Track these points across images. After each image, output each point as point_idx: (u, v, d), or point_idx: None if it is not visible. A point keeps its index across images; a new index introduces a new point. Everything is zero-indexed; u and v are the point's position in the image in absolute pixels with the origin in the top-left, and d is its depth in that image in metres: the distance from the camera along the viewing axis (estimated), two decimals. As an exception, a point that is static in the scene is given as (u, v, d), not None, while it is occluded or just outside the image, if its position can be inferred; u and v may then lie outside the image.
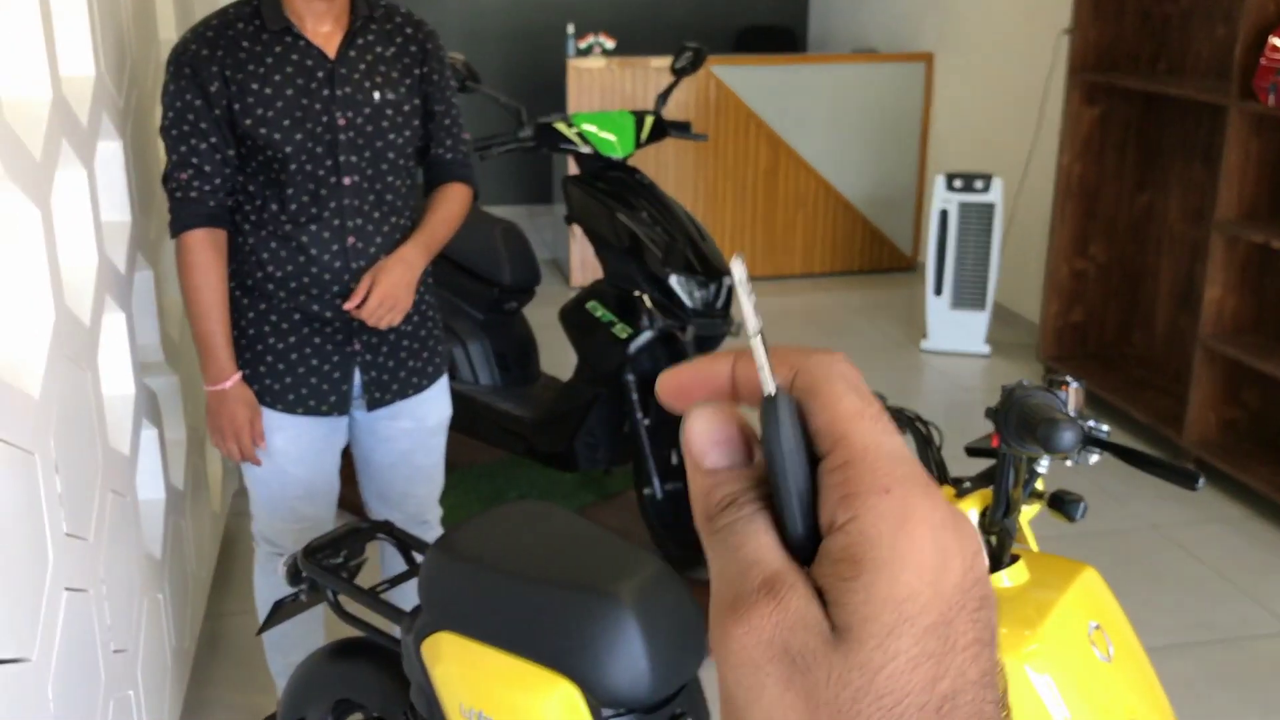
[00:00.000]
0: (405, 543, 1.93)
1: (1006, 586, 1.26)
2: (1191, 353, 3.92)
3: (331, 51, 2.02)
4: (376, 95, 2.03)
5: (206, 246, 2.01)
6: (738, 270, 0.39)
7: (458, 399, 3.47)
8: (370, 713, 1.91)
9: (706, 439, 0.38)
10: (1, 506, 1.47)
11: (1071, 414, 1.17)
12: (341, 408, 2.16)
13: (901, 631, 0.32)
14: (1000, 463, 1.20)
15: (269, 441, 2.15)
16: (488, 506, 3.38)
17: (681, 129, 3.40)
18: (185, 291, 2.04)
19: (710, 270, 3.03)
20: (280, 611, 1.91)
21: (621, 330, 3.03)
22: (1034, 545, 1.29)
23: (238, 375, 2.08)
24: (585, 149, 3.17)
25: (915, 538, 0.33)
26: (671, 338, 3.06)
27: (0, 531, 1.45)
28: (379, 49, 2.06)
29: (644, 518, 3.16)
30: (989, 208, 5.06)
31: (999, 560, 1.25)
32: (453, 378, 3.52)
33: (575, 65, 6.01)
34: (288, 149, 1.98)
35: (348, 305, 2.05)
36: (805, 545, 0.36)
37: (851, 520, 0.34)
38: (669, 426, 3.06)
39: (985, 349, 5.23)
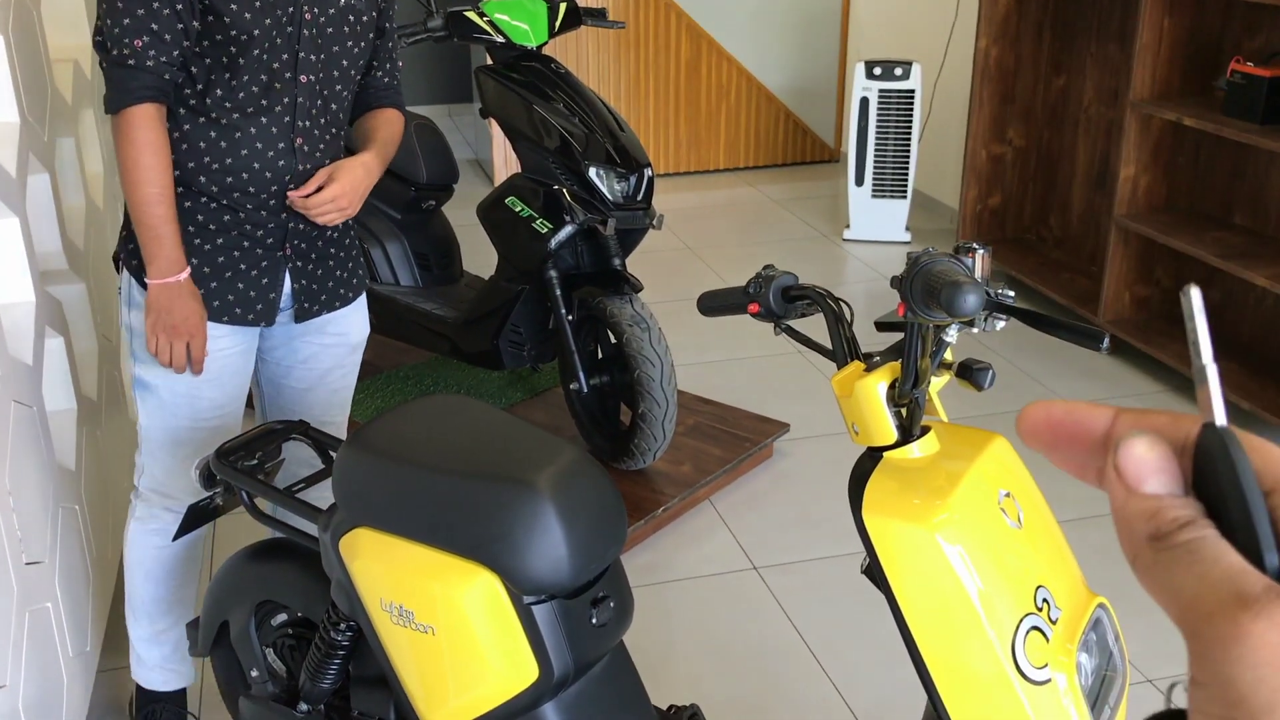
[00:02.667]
0: (321, 442, 1.91)
1: (917, 457, 1.27)
2: (1106, 233, 3.98)
3: None
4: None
5: (158, 122, 1.84)
6: (1196, 300, 0.40)
7: (379, 301, 3.43)
8: (293, 613, 1.90)
9: (1148, 465, 0.40)
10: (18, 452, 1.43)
11: (978, 279, 1.17)
12: (268, 317, 2.02)
13: None
14: (908, 333, 1.20)
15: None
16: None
17: (597, 16, 3.32)
18: (131, 173, 1.84)
19: (630, 162, 2.99)
20: (195, 517, 1.89)
21: (542, 226, 2.99)
22: (944, 416, 1.30)
23: (189, 269, 1.91)
24: (497, 38, 3.09)
25: None
26: (593, 232, 3.02)
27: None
28: None
29: (571, 412, 3.16)
30: (909, 95, 5.04)
31: (909, 432, 1.26)
32: (373, 280, 3.46)
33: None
34: (254, 31, 1.85)
35: (297, 194, 1.93)
36: (1276, 575, 0.37)
37: None
38: (593, 321, 3.04)
39: (907, 237, 5.26)
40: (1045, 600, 1.22)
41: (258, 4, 1.84)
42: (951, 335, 1.19)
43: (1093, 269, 4.46)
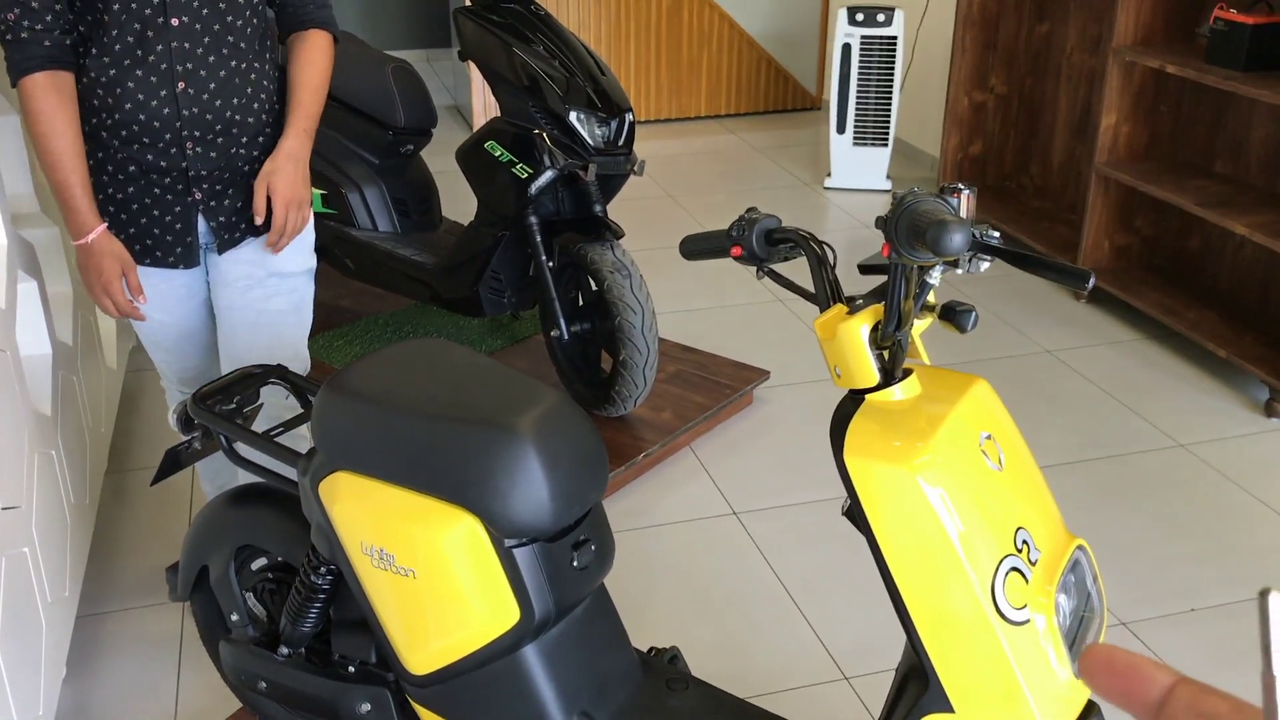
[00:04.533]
0: (299, 386, 1.89)
1: (899, 400, 1.27)
2: (1087, 182, 3.97)
3: None
4: None
5: (49, 90, 1.85)
6: (1275, 605, 0.40)
7: (357, 247, 3.39)
8: (273, 558, 1.90)
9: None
10: None
11: (964, 216, 1.17)
12: (189, 260, 2.04)
13: None
14: (891, 274, 1.19)
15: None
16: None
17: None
18: (34, 140, 1.89)
19: (611, 107, 2.95)
20: (174, 460, 1.87)
21: (521, 170, 2.96)
22: (926, 359, 1.30)
23: (101, 227, 1.94)
24: (474, -20, 3.04)
25: None
26: (573, 177, 3.00)
27: None
28: None
29: (552, 359, 3.15)
30: (891, 41, 5.00)
31: (891, 374, 1.25)
32: (350, 225, 3.43)
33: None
34: None
35: (258, 220, 1.98)
36: None
37: None
38: (574, 268, 3.03)
39: (887, 185, 5.24)
40: (1025, 542, 1.22)
41: None
42: (935, 277, 1.18)
43: (1072, 217, 4.46)
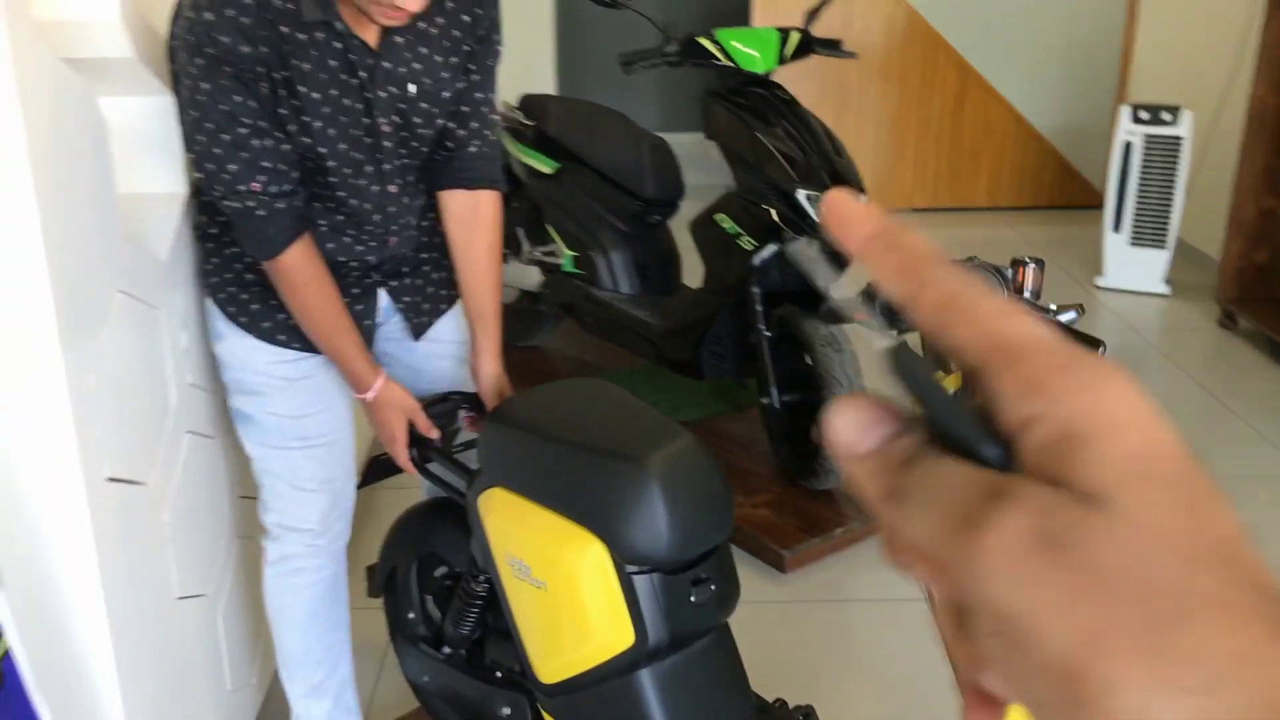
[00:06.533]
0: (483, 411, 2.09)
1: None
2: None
3: (372, 39, 1.69)
4: (413, 87, 1.75)
5: (308, 260, 1.76)
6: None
7: (597, 304, 3.64)
8: (452, 567, 2.10)
9: (854, 430, 0.37)
10: (131, 354, 1.71)
11: (1027, 295, 1.21)
12: (367, 341, 1.94)
13: (1152, 482, 0.31)
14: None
15: (282, 381, 1.92)
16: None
17: (830, 46, 3.41)
18: (300, 313, 1.80)
19: (841, 186, 3.06)
20: (379, 467, 2.10)
21: (747, 243, 3.11)
22: None
23: (381, 380, 1.86)
24: (727, 63, 3.24)
25: (1123, 394, 0.32)
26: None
27: (126, 373, 1.69)
28: (423, 23, 1.74)
29: (764, 426, 3.25)
30: (1176, 141, 4.83)
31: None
32: (594, 284, 3.68)
33: (761, -11, 6.01)
34: (331, 163, 1.73)
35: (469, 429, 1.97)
36: (1000, 464, 0.33)
37: (1049, 404, 0.32)
38: (790, 340, 3.13)
39: (1164, 289, 5.02)
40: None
41: (332, 131, 1.71)
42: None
43: (1365, 337, 4.13)
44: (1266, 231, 4.53)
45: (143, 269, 1.76)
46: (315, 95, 1.66)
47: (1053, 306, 1.20)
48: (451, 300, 2.07)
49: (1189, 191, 5.14)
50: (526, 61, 7.11)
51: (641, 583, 1.64)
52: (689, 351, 3.35)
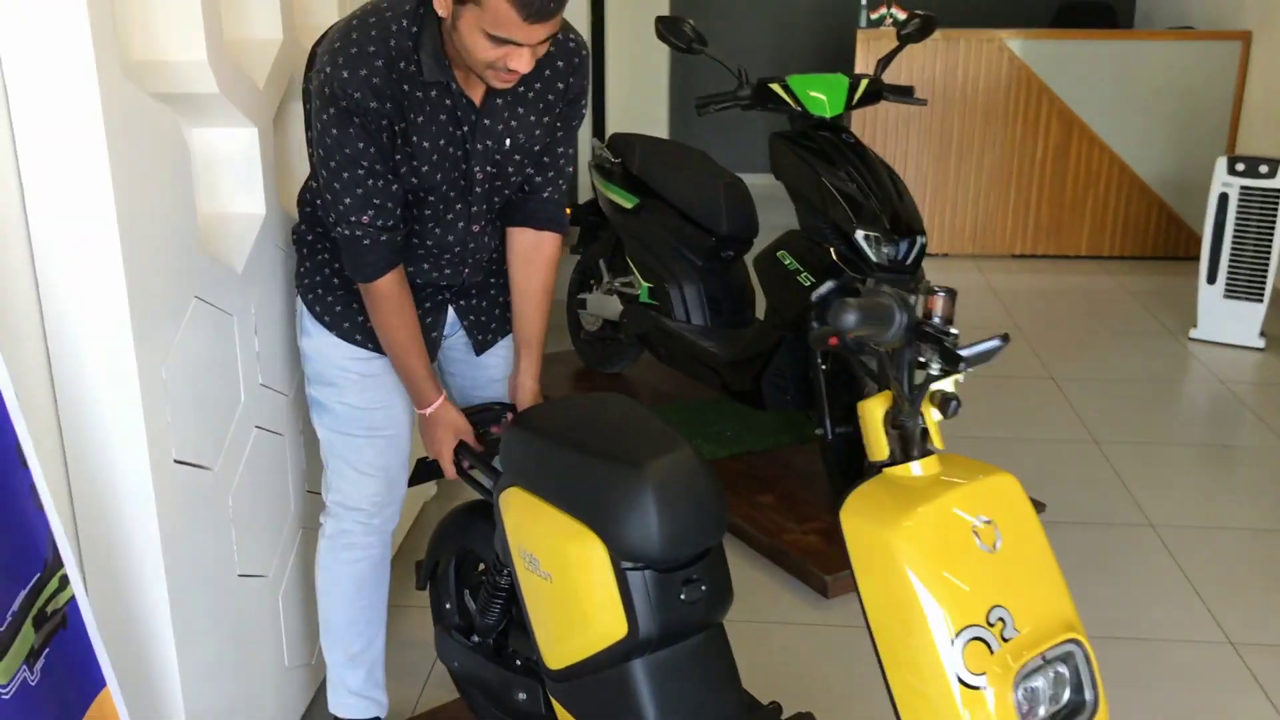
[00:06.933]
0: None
1: (916, 475, 1.43)
2: None
3: (477, 98, 1.91)
4: (508, 141, 1.96)
5: (398, 287, 1.97)
6: None
7: (669, 335, 3.81)
8: (486, 560, 2.28)
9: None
10: (204, 353, 1.95)
11: (936, 320, 1.33)
12: (432, 353, 2.14)
13: None
14: (882, 363, 1.38)
15: (355, 377, 2.13)
16: (692, 439, 3.71)
17: (902, 93, 3.53)
18: (382, 330, 2.02)
19: (901, 228, 3.17)
20: (426, 468, 2.29)
21: (806, 279, 3.24)
22: (939, 445, 1.45)
23: (440, 399, 2.08)
24: (796, 107, 3.39)
25: None
26: (855, 290, 3.23)
27: (198, 369, 1.92)
28: (522, 87, 1.93)
29: (822, 457, 3.37)
30: (1275, 193, 4.78)
31: (908, 453, 1.43)
32: (668, 316, 3.85)
33: (865, 35, 6.14)
34: (430, 199, 1.96)
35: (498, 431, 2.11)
36: None
37: None
38: (846, 374, 3.24)
39: (1259, 342, 4.95)
40: (1001, 619, 1.34)
41: (438, 175, 1.92)
42: (935, 369, 1.35)
43: None
44: (1362, 287, 4.45)
45: (219, 279, 2.00)
46: (425, 144, 1.88)
47: (954, 330, 1.32)
48: (511, 324, 2.23)
49: (1289, 245, 5.07)
50: (645, 107, 7.37)
51: (635, 579, 1.79)
52: (751, 383, 3.49)
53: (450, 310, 2.18)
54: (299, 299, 2.15)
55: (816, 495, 3.46)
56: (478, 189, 1.98)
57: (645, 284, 3.92)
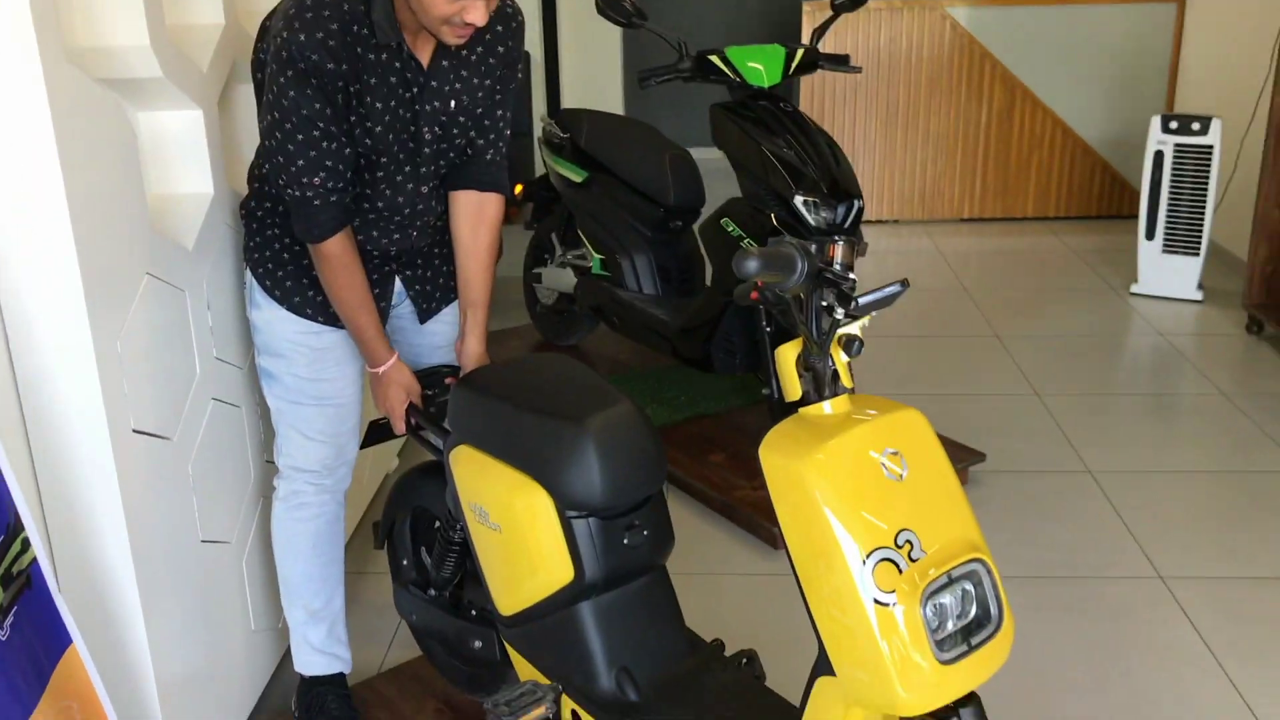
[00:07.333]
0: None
1: (828, 414, 1.54)
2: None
3: (425, 59, 2.00)
4: (454, 103, 2.05)
5: (346, 249, 2.04)
6: None
7: (621, 305, 3.90)
8: (439, 517, 2.35)
9: None
10: (158, 327, 2.03)
11: (836, 267, 1.44)
12: (381, 319, 2.20)
13: None
14: (805, 311, 1.48)
15: (305, 350, 2.19)
16: (647, 404, 3.80)
17: (837, 61, 3.63)
18: (332, 289, 2.08)
19: (839, 193, 3.27)
20: (378, 431, 2.37)
21: (748, 245, 3.34)
22: (849, 385, 1.55)
23: (392, 360, 2.18)
24: (734, 78, 3.48)
25: None
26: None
27: (152, 343, 2.00)
28: (465, 51, 2.03)
29: (770, 416, 3.47)
30: (1207, 150, 4.92)
31: (820, 393, 1.53)
32: (620, 286, 3.94)
33: (810, 7, 6.23)
34: (382, 160, 2.03)
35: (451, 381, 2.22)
36: None
37: None
38: (786, 336, 3.34)
39: (1197, 295, 5.10)
40: (909, 541, 1.45)
41: (390, 136, 2.00)
42: (839, 314, 1.46)
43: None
44: (1288, 238, 4.60)
45: (169, 256, 2.07)
46: (378, 105, 1.96)
47: (852, 276, 1.42)
48: (456, 292, 2.32)
49: (1223, 199, 5.22)
50: (599, 83, 7.43)
51: (580, 526, 1.89)
52: (700, 348, 3.58)
53: (397, 281, 2.26)
54: (248, 272, 2.21)
55: (767, 454, 3.56)
56: (426, 149, 2.05)
57: (597, 256, 4.01)
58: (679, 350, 3.69)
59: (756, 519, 3.20)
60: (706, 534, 3.25)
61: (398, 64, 1.96)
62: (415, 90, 1.99)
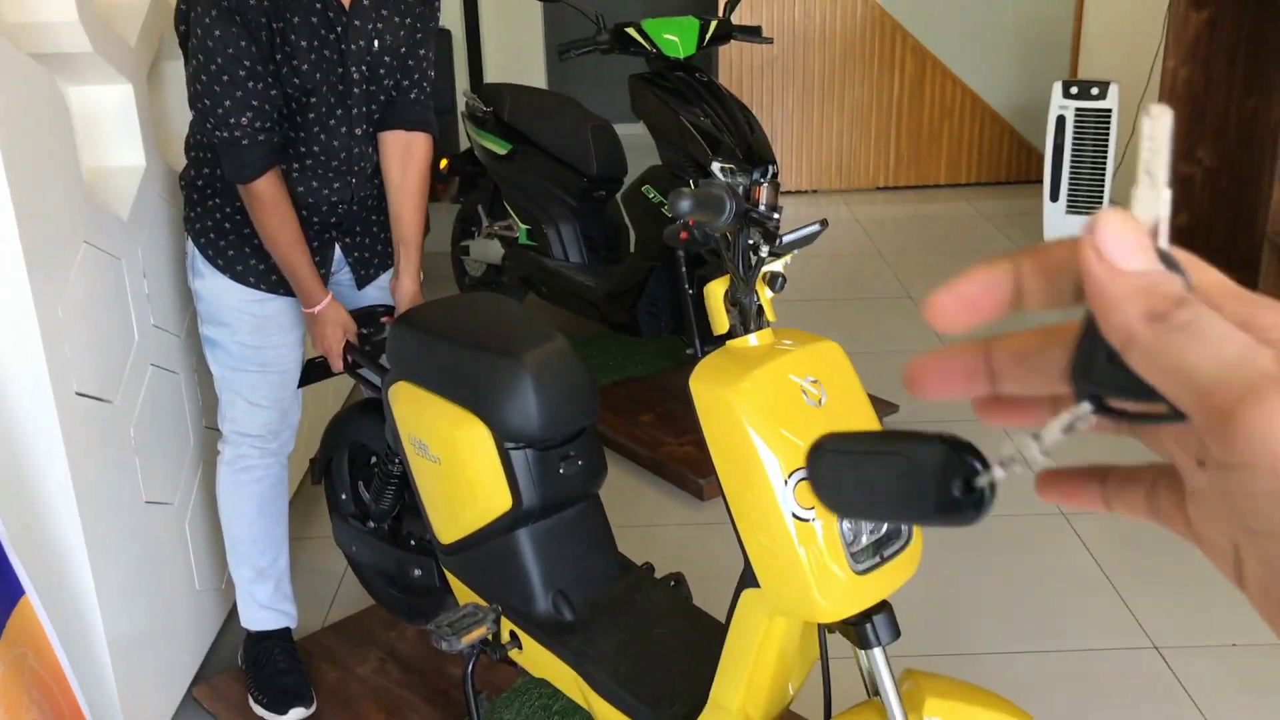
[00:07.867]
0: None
1: (754, 346, 1.66)
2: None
3: (346, 2, 2.05)
4: (377, 43, 2.10)
5: (275, 188, 2.08)
6: (1162, 122, 0.38)
7: (548, 274, 4.00)
8: (377, 452, 2.41)
9: (1129, 242, 0.38)
10: (96, 294, 2.08)
11: (762, 208, 1.55)
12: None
13: None
14: (732, 249, 1.60)
15: (249, 317, 2.25)
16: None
17: (749, 32, 3.75)
18: (265, 231, 2.11)
19: (754, 159, 3.40)
20: (313, 369, 2.41)
21: (669, 210, 3.45)
22: (772, 318, 1.67)
23: (328, 299, 2.21)
24: (651, 50, 3.58)
25: None
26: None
27: (92, 309, 2.05)
28: None
29: (694, 378, 3.59)
30: (1106, 114, 5.14)
31: (746, 326, 1.65)
32: (547, 255, 4.03)
33: (724, -18, 6.34)
34: (313, 99, 2.07)
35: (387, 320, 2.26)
36: None
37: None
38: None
39: (1100, 254, 5.33)
40: (821, 462, 1.57)
41: (318, 75, 2.05)
42: (763, 252, 1.58)
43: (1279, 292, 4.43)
44: (1183, 196, 4.83)
45: (105, 226, 2.12)
46: (304, 43, 2.01)
47: (777, 216, 1.54)
48: (392, 258, 2.38)
49: (1122, 161, 5.45)
50: (521, 58, 7.48)
51: (517, 457, 2.00)
52: (627, 313, 3.69)
53: (337, 248, 2.33)
54: (189, 242, 2.25)
55: (691, 411, 3.67)
56: (355, 89, 2.11)
57: (524, 226, 4.09)
58: (607, 316, 3.80)
59: (684, 472, 3.32)
60: (637, 489, 3.37)
61: (319, 4, 2.02)
62: (339, 30, 2.05)
